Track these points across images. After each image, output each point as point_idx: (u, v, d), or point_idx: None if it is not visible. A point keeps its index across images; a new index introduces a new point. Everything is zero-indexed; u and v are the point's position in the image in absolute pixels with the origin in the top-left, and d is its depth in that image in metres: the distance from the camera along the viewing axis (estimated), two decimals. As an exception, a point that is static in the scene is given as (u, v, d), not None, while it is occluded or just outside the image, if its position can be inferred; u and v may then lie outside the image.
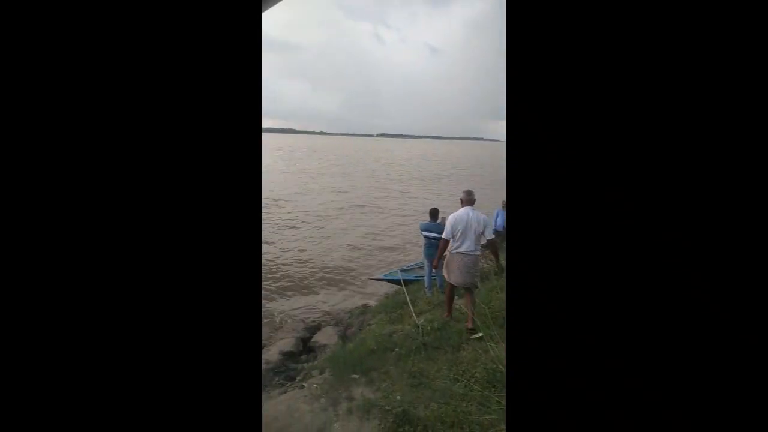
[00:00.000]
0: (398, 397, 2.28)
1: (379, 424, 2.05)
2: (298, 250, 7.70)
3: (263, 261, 6.78)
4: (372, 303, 5.25)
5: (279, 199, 13.14)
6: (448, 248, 3.27)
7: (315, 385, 2.54)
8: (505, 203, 6.19)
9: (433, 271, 4.36)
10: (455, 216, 3.09)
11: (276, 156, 38.54)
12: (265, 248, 7.68)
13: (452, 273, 3.09)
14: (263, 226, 8.95)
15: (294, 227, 9.52)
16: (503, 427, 1.85)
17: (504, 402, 2.01)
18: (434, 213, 4.38)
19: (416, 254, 6.72)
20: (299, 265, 6.91)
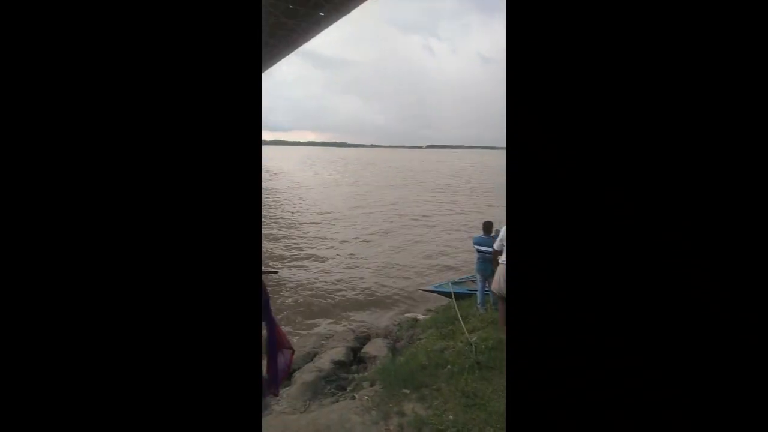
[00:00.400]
0: (451, 417, 2.21)
1: (432, 444, 1.99)
2: (346, 267, 7.86)
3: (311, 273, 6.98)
4: (421, 316, 5.18)
5: (331, 212, 13.58)
6: (500, 259, 3.17)
7: (366, 397, 2.55)
8: None
9: (487, 286, 4.20)
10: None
11: (331, 169, 40.00)
12: (317, 264, 7.94)
13: (499, 283, 3.01)
14: (323, 241, 9.21)
15: (346, 242, 9.75)
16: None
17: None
18: (488, 227, 4.23)
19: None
20: (349, 280, 7.04)
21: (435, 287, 5.45)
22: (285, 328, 2.08)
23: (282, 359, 1.97)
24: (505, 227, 3.14)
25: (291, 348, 2.02)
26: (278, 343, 1.96)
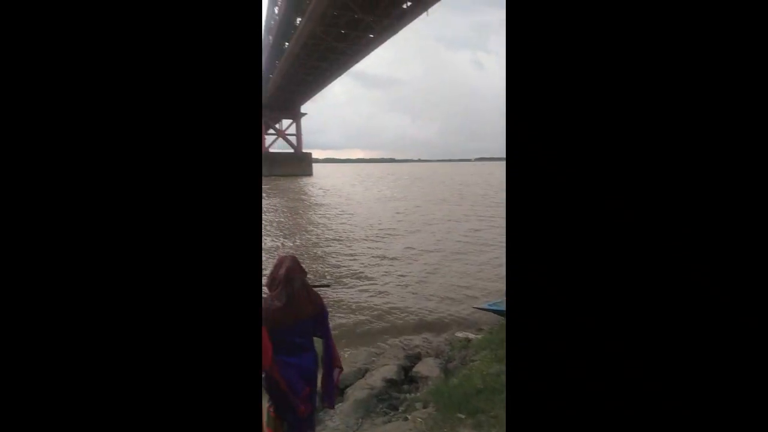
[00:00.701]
0: (511, 448, 2.07)
1: (490, 476, 1.88)
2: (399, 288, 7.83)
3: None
4: (473, 335, 4.98)
5: (380, 227, 13.72)
6: None
7: (419, 419, 2.49)
8: None
9: None
10: None
11: (381, 184, 40.65)
12: (360, 283, 8.01)
13: None
14: (372, 258, 9.27)
15: (394, 259, 9.76)
16: None
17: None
18: None
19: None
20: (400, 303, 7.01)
21: (489, 305, 5.24)
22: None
23: (334, 375, 2.00)
24: None
25: (341, 367, 2.05)
26: (333, 358, 1.99)
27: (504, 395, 2.67)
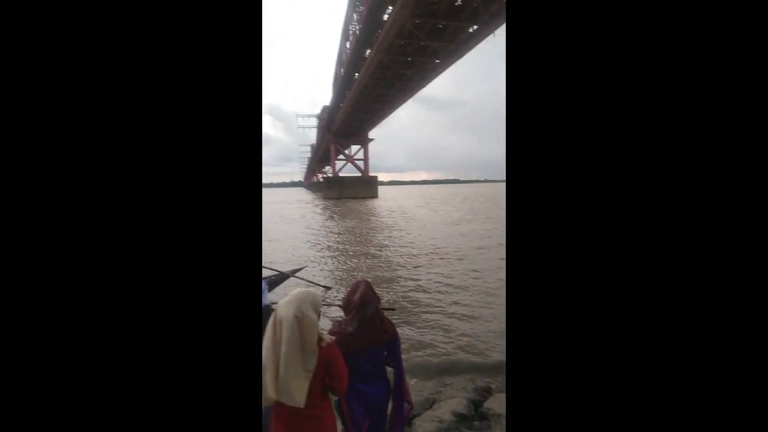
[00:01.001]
0: None
1: None
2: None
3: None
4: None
5: (446, 252, 13.46)
6: None
7: (493, 462, 2.31)
8: None
9: None
10: None
11: (449, 206, 40.25)
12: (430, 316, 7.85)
13: None
14: (441, 285, 9.11)
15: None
16: None
17: None
18: None
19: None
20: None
21: None
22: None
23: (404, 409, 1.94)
24: None
25: (410, 402, 1.98)
26: (405, 391, 1.94)
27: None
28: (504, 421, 3.19)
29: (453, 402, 3.61)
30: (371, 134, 59.61)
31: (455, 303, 7.67)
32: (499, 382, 4.72)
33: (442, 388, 4.32)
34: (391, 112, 47.57)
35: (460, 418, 3.31)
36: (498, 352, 5.41)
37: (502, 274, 9.73)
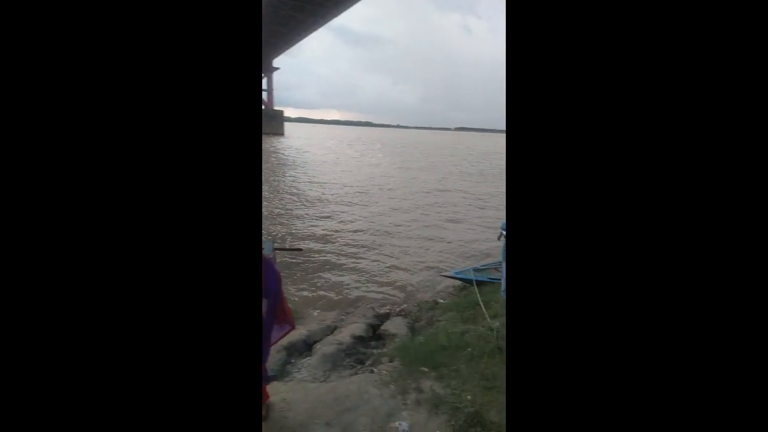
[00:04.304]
0: (468, 397, 2.22)
1: (449, 421, 2.01)
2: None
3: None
4: (441, 300, 5.19)
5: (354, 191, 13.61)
6: None
7: (385, 372, 2.59)
8: None
9: None
10: None
11: (354, 149, 39.91)
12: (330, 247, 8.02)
13: None
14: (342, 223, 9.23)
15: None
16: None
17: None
18: None
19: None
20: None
21: (456, 273, 5.42)
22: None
23: (277, 331, 2.05)
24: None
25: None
26: (279, 317, 2.03)
27: (466, 351, 2.83)
28: (397, 340, 3.57)
29: (353, 327, 3.88)
30: (277, 62, 53.71)
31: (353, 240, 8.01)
32: (390, 297, 5.25)
33: (344, 317, 4.61)
34: (301, 40, 43.21)
35: (359, 339, 3.59)
36: (380, 280, 5.94)
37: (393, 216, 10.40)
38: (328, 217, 9.74)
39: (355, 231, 8.60)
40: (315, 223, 9.01)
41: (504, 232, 4.09)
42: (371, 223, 9.32)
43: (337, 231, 8.52)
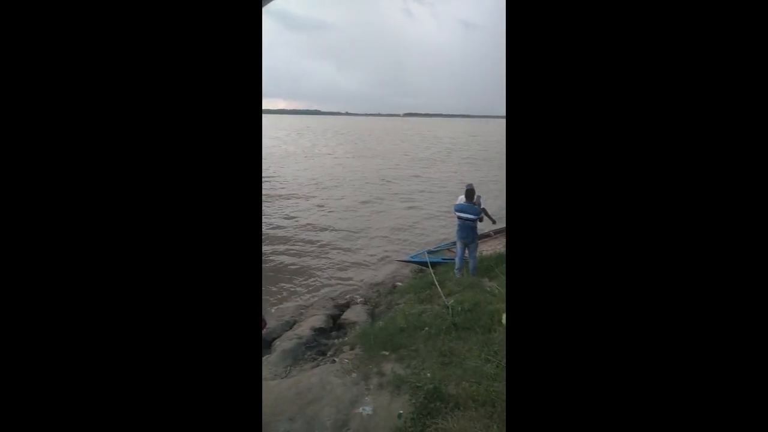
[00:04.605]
0: (428, 375, 2.31)
1: (410, 399, 2.08)
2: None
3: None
4: (399, 283, 5.29)
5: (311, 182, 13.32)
6: None
7: (346, 360, 2.61)
8: None
9: (466, 253, 4.30)
10: None
11: (305, 139, 38.84)
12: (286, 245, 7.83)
13: None
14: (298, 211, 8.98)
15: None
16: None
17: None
18: (470, 193, 4.23)
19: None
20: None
21: (411, 257, 5.53)
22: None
23: None
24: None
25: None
26: None
27: (424, 330, 2.93)
28: (358, 328, 3.60)
29: (312, 320, 3.84)
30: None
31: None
32: (351, 286, 5.27)
33: (303, 310, 4.54)
34: (239, 25, 40.60)
35: (319, 331, 3.57)
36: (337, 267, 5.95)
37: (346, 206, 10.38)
38: (285, 213, 9.46)
39: (309, 224, 8.45)
40: (270, 221, 8.70)
41: (458, 214, 4.21)
42: (328, 214, 9.20)
43: (294, 225, 8.31)
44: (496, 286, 3.70)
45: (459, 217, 4.20)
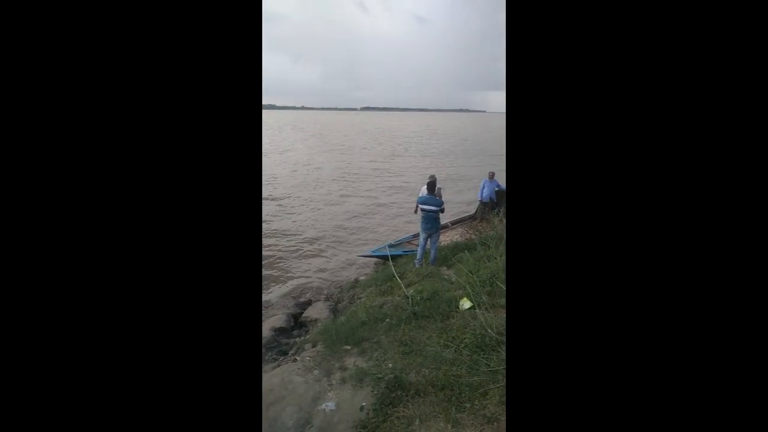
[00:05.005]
0: (390, 365, 2.34)
1: (372, 391, 2.11)
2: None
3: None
4: (362, 277, 5.30)
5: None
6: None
7: (308, 358, 2.58)
8: (491, 174, 6.20)
9: (427, 244, 4.40)
10: None
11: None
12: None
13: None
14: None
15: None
16: (492, 386, 1.92)
17: (492, 364, 2.08)
18: (431, 186, 4.34)
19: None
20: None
21: (372, 252, 5.56)
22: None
23: None
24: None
25: None
26: None
27: (385, 322, 2.96)
28: (320, 325, 3.57)
29: (273, 320, 3.75)
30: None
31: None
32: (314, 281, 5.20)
33: (263, 311, 4.42)
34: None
35: (280, 331, 3.50)
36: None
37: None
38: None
39: (270, 222, 8.20)
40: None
41: (420, 206, 4.29)
42: (290, 212, 8.97)
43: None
44: (453, 274, 3.82)
45: (422, 209, 4.29)
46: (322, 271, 5.85)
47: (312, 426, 1.97)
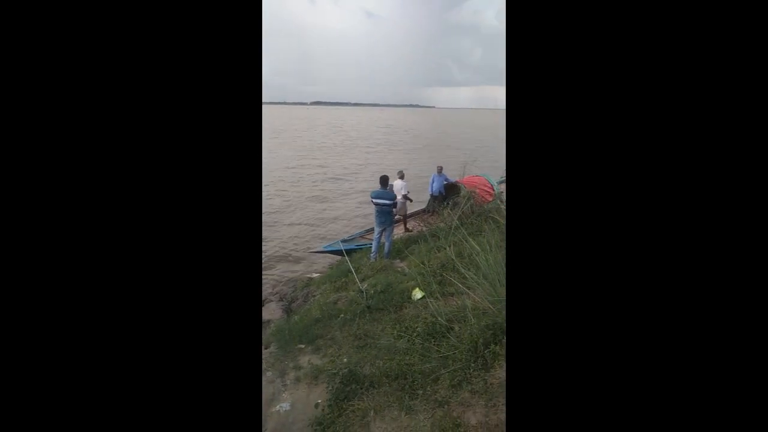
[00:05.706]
0: (345, 360, 2.35)
1: (327, 387, 2.10)
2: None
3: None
4: (316, 274, 5.24)
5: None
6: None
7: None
8: (440, 168, 6.38)
9: (382, 237, 4.44)
10: None
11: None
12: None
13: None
14: None
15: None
16: (442, 371, 2.00)
17: (442, 350, 2.16)
18: (384, 180, 4.39)
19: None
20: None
21: (325, 247, 5.50)
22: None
23: None
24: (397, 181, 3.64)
25: None
26: None
27: (339, 318, 2.96)
28: (272, 325, 3.47)
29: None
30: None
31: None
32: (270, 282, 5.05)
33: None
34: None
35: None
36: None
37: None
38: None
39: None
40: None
41: (374, 200, 4.32)
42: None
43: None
44: (406, 267, 3.91)
45: (375, 204, 4.32)
46: (273, 267, 5.69)
47: (266, 429, 1.92)
